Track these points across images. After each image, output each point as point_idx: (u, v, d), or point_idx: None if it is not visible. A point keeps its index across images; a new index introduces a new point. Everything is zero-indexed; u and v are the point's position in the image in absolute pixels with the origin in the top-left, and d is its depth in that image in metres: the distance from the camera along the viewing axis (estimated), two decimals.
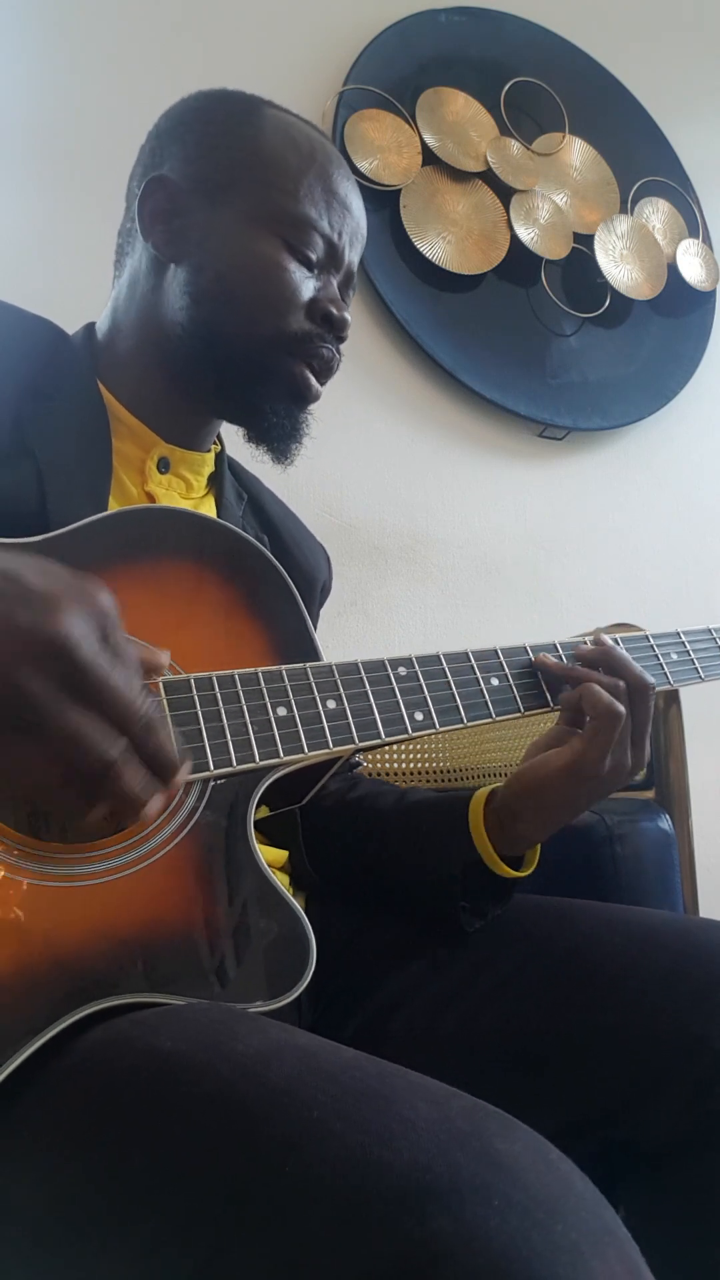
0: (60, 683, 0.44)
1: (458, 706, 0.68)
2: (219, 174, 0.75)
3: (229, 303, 0.74)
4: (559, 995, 0.68)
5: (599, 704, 0.69)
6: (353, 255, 0.80)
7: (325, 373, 0.79)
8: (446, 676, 0.69)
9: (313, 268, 0.77)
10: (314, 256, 0.76)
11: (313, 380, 0.78)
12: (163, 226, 0.76)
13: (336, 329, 0.78)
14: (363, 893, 0.83)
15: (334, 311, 0.77)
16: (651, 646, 0.79)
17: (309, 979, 0.55)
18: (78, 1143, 0.44)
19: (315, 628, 0.97)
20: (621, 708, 0.69)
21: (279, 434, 0.79)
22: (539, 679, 0.73)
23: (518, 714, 0.71)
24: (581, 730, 0.70)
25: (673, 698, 1.12)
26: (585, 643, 0.76)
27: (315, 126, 0.81)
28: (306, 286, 0.76)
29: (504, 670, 0.71)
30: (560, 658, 0.74)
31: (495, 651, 0.72)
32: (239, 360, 0.75)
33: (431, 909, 0.76)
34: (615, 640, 0.77)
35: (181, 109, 0.80)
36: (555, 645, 0.75)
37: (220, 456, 0.86)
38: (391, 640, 1.63)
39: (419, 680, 0.68)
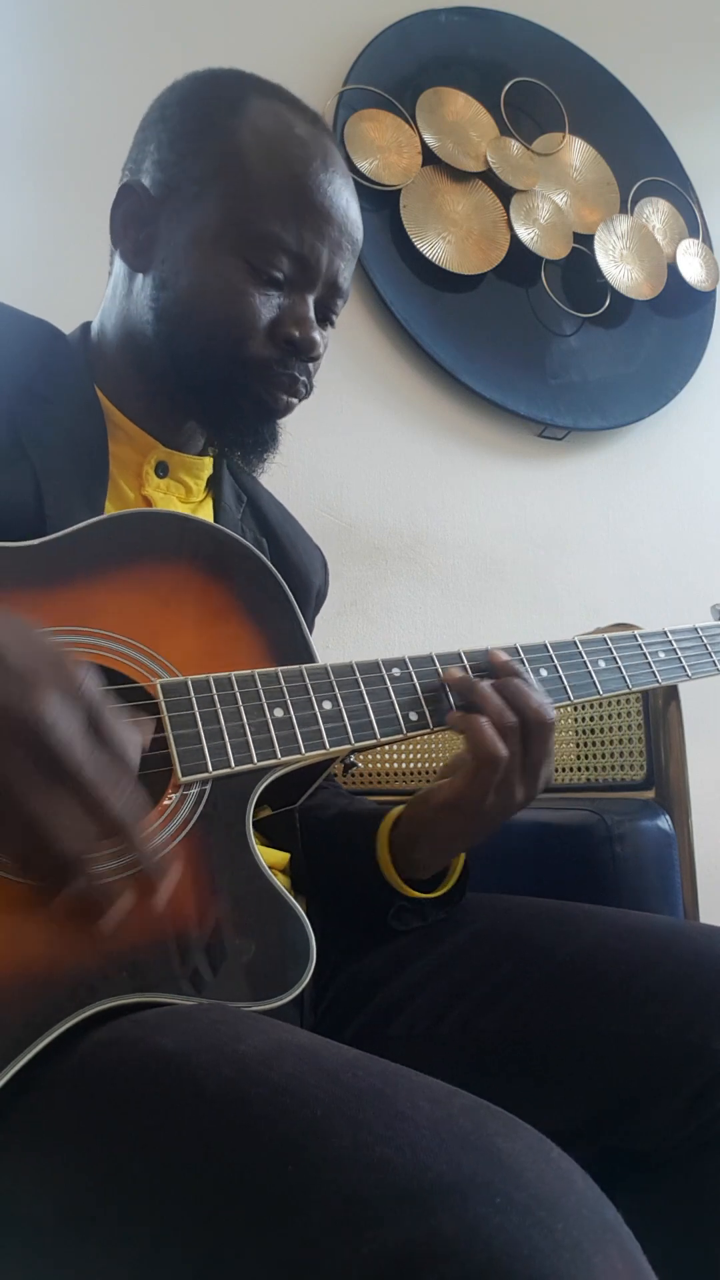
0: (32, 766, 0.44)
1: (451, 707, 0.68)
2: (187, 182, 0.73)
3: (187, 323, 0.73)
4: (560, 1000, 0.68)
5: (480, 745, 0.66)
6: (336, 263, 0.75)
7: (293, 393, 0.76)
8: (440, 677, 0.69)
9: (280, 286, 0.73)
10: (280, 276, 0.72)
11: (276, 402, 0.76)
12: (130, 235, 0.75)
13: (302, 351, 0.74)
14: (322, 895, 0.83)
15: (296, 334, 0.73)
16: (640, 645, 0.79)
17: (309, 978, 0.55)
18: (79, 1144, 0.44)
19: (311, 632, 0.97)
20: (503, 750, 0.66)
21: (244, 446, 0.78)
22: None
23: None
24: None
25: (672, 696, 1.12)
26: (489, 654, 0.72)
27: (308, 114, 0.76)
28: (268, 309, 0.72)
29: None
30: (465, 668, 0.71)
31: (486, 652, 0.72)
32: (201, 379, 0.74)
33: (368, 914, 0.78)
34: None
35: (167, 98, 0.77)
36: (460, 655, 0.72)
37: (217, 460, 0.86)
38: (391, 640, 1.63)
39: (413, 680, 0.68)
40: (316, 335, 0.75)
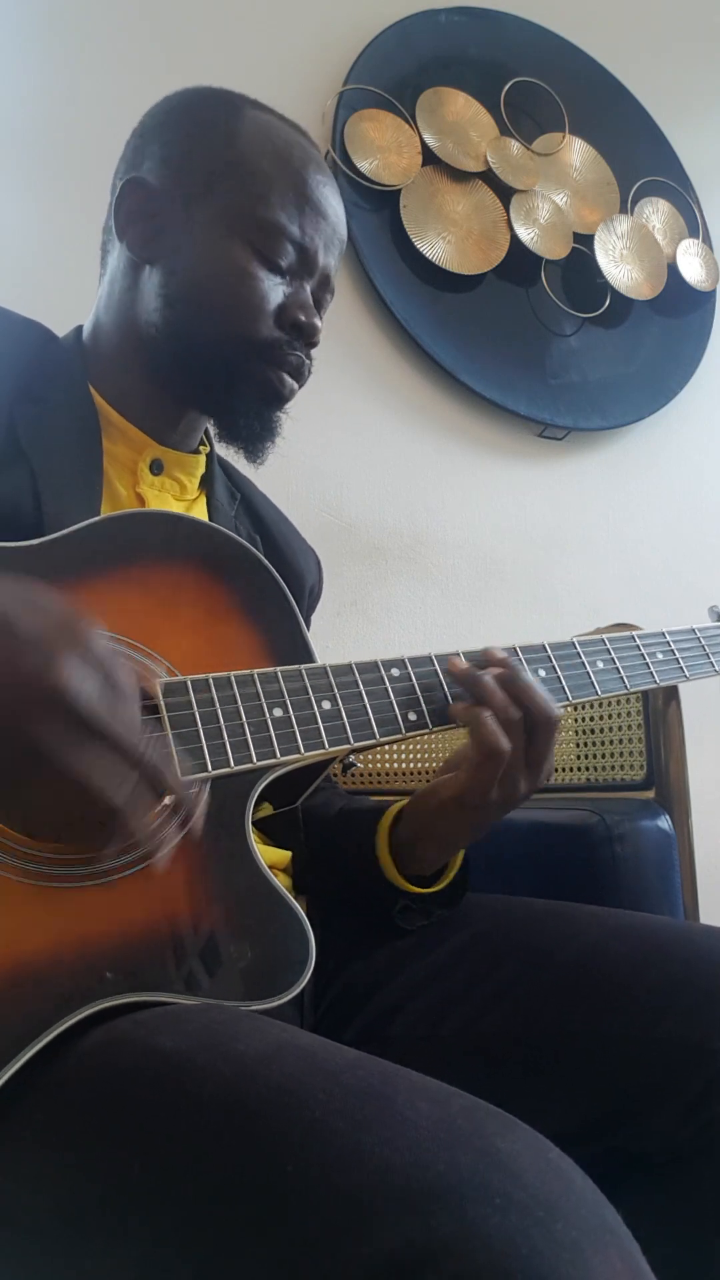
0: (66, 729, 0.45)
1: (449, 701, 0.68)
2: (194, 179, 0.76)
3: (199, 309, 0.75)
4: (561, 1000, 0.68)
5: (484, 740, 0.66)
6: (328, 259, 0.80)
7: (297, 376, 0.79)
8: (439, 676, 0.69)
9: (284, 274, 0.77)
10: (284, 263, 0.76)
11: (282, 386, 0.78)
12: (138, 228, 0.77)
13: (306, 336, 0.78)
14: (326, 894, 0.83)
15: (302, 319, 0.77)
16: (638, 646, 0.79)
17: (309, 977, 0.55)
18: (78, 1144, 0.44)
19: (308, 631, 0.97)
20: (506, 744, 0.66)
21: (249, 434, 0.80)
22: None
23: None
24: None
25: (672, 696, 1.12)
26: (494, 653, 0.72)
27: (297, 127, 0.81)
28: (275, 294, 0.76)
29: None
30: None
31: (484, 651, 0.72)
32: (210, 364, 0.76)
33: (372, 913, 0.78)
34: (520, 654, 0.75)
35: (164, 107, 0.80)
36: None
37: (210, 457, 0.86)
38: (391, 640, 1.63)
39: (412, 680, 0.68)
40: (318, 320, 0.78)
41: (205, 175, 0.76)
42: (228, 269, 0.75)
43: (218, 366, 0.76)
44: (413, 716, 0.67)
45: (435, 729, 0.68)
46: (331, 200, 0.79)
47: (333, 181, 0.81)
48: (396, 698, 0.67)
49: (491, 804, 0.68)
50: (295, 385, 0.80)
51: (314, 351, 0.82)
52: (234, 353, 0.76)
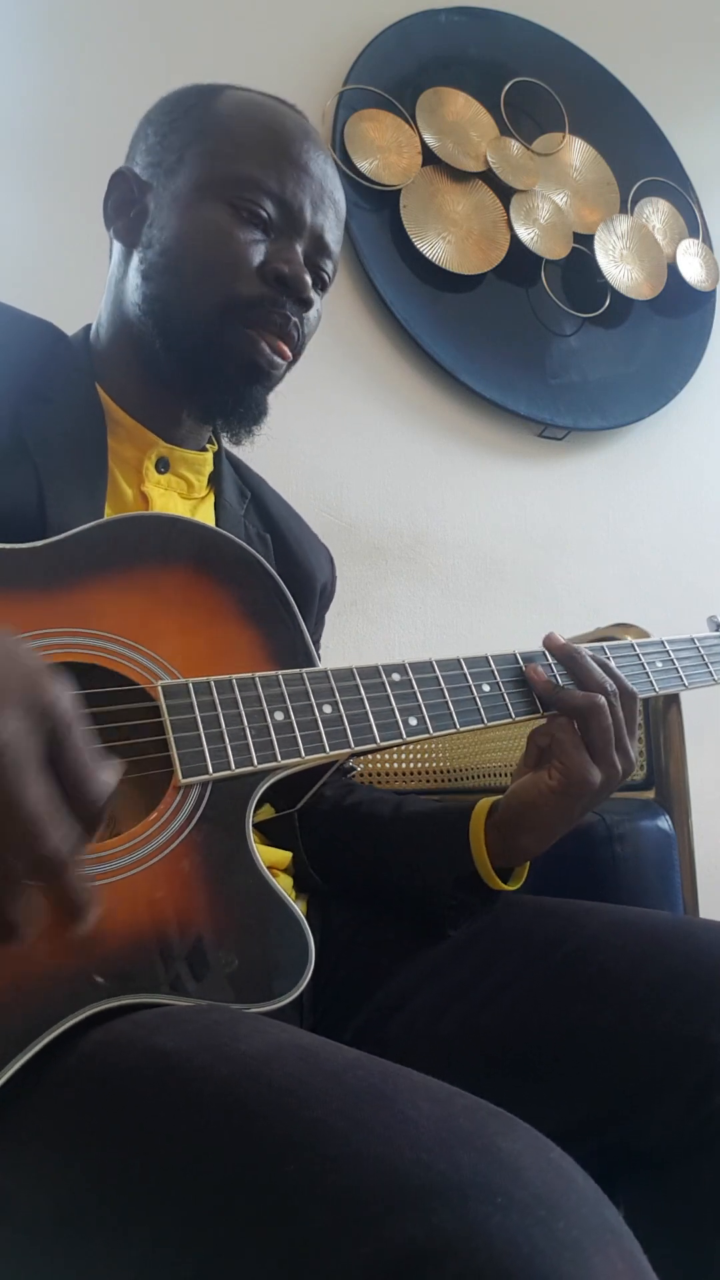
0: None
1: (450, 712, 0.69)
2: (170, 155, 0.76)
3: (176, 274, 0.73)
4: (560, 997, 0.68)
5: (575, 704, 0.70)
6: (318, 219, 0.76)
7: (285, 339, 0.75)
8: (440, 683, 0.70)
9: (267, 230, 0.74)
10: (264, 214, 0.73)
11: (268, 350, 0.74)
12: (123, 217, 0.78)
13: (293, 290, 0.73)
14: (357, 895, 0.83)
15: (285, 270, 0.73)
16: (638, 655, 0.80)
17: (308, 979, 0.55)
18: (79, 1144, 0.44)
19: (319, 628, 0.97)
20: (600, 699, 0.70)
21: (222, 409, 0.77)
22: (529, 685, 0.73)
23: (509, 720, 0.72)
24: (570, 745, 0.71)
25: (672, 698, 1.12)
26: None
27: (284, 101, 0.79)
28: (257, 250, 0.73)
29: (495, 677, 0.72)
30: (550, 667, 0.75)
31: (486, 658, 0.73)
32: (191, 333, 0.73)
33: (418, 912, 0.77)
34: (603, 648, 0.78)
35: (152, 107, 0.81)
36: (544, 653, 0.75)
37: (218, 455, 0.86)
38: (391, 640, 1.63)
39: (413, 686, 0.68)
40: (306, 275, 0.75)
41: (179, 147, 0.75)
42: (202, 230, 0.72)
43: (198, 335, 0.73)
44: (414, 721, 0.67)
45: (436, 734, 0.68)
46: (315, 161, 0.75)
47: (321, 148, 0.77)
48: (397, 703, 0.67)
49: (598, 788, 0.70)
50: (282, 349, 0.75)
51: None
52: (214, 316, 0.72)
